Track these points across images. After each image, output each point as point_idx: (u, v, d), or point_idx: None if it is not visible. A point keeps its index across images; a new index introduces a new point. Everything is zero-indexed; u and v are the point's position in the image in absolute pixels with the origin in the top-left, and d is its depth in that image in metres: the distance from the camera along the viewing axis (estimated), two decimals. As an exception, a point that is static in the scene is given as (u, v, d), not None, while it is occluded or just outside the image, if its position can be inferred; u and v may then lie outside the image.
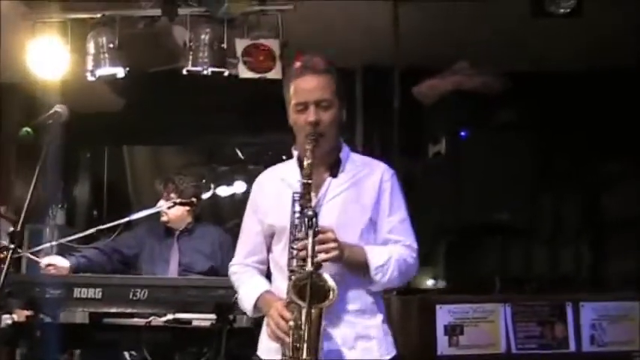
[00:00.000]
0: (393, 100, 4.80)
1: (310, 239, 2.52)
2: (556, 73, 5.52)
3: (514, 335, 4.20)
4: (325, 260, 2.60)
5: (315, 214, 2.57)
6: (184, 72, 4.54)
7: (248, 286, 2.91)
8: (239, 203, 9.57)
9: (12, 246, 2.59)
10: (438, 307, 4.17)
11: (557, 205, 5.84)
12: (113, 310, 3.91)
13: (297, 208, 2.67)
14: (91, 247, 4.56)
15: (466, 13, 4.86)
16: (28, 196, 2.75)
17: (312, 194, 2.70)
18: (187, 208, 4.62)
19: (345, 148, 2.93)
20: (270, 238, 2.90)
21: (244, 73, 4.57)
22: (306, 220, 2.55)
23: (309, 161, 2.68)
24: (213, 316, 3.74)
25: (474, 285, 4.87)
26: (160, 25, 4.67)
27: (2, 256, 3.76)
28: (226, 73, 4.55)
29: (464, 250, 5.21)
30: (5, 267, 2.60)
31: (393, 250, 2.79)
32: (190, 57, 4.51)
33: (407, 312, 4.05)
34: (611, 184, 5.87)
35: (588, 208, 5.94)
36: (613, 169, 5.84)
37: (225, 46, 4.49)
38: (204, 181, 8.68)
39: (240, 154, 9.19)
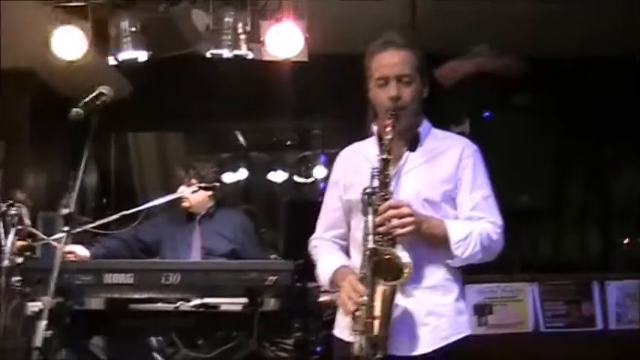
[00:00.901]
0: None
1: (370, 217, 2.52)
2: (578, 57, 5.52)
3: (542, 314, 4.24)
4: (401, 235, 2.60)
5: (374, 192, 2.57)
6: (207, 55, 4.50)
7: (325, 260, 2.92)
8: (242, 189, 9.60)
9: (66, 228, 2.54)
10: (467, 286, 4.18)
11: (580, 187, 5.87)
12: (145, 295, 3.91)
13: (375, 183, 2.65)
14: (112, 238, 4.55)
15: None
16: (78, 179, 2.70)
17: (390, 168, 2.69)
18: (209, 193, 4.64)
19: (426, 124, 2.92)
20: (350, 213, 2.89)
21: (268, 56, 4.55)
22: (365, 197, 2.55)
23: (389, 137, 2.68)
24: (241, 299, 3.71)
25: (498, 267, 4.88)
26: (179, 8, 4.62)
27: (26, 243, 3.77)
28: (250, 56, 4.51)
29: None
30: (58, 252, 2.57)
31: (475, 225, 2.75)
32: (212, 40, 4.46)
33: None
34: (630, 167, 5.89)
35: (611, 190, 5.96)
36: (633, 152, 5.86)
37: (249, 28, 4.45)
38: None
39: (242, 140, 9.19)
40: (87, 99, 2.83)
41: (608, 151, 5.90)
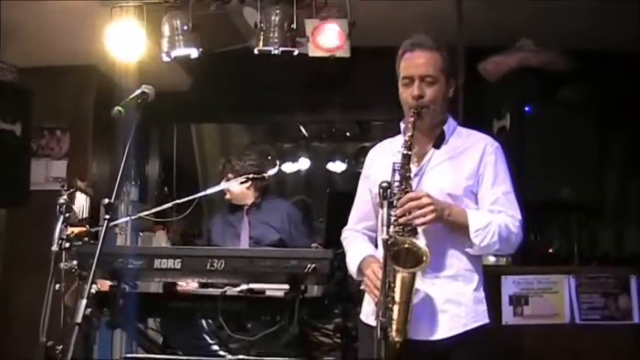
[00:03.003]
0: (457, 76, 4.87)
1: (385, 209, 2.65)
2: (620, 52, 5.48)
3: (578, 306, 4.26)
4: (423, 224, 2.75)
5: (390, 185, 2.70)
6: (255, 52, 4.66)
7: (354, 250, 3.08)
8: (303, 179, 9.78)
9: (107, 217, 2.74)
10: (503, 277, 4.27)
11: (620, 182, 5.84)
12: (190, 280, 4.11)
13: (397, 177, 2.79)
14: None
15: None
16: (120, 172, 2.89)
17: (415, 164, 2.86)
18: (248, 184, 4.81)
19: (452, 122, 3.05)
20: (378, 205, 2.97)
21: (313, 52, 4.70)
22: (381, 191, 2.67)
23: (410, 133, 2.81)
24: (286, 286, 3.85)
25: (538, 260, 4.92)
26: (231, 6, 4.79)
27: (84, 229, 4.00)
28: (296, 53, 4.66)
29: (527, 226, 5.25)
30: (101, 237, 2.76)
31: (495, 216, 2.88)
32: (261, 37, 4.62)
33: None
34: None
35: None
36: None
37: (294, 26, 4.60)
38: (269, 158, 8.92)
39: (304, 131, 9.36)
40: (129, 98, 2.99)
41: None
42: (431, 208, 2.75)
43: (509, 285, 4.25)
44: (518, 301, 4.27)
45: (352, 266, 3.05)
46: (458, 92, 4.83)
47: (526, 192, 4.74)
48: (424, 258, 2.67)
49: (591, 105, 4.98)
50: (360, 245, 3.10)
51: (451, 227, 2.85)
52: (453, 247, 2.90)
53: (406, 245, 2.71)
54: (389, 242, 2.66)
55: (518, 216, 2.95)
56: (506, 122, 4.85)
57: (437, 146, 2.98)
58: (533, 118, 4.75)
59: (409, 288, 2.69)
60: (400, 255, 2.70)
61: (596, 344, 4.21)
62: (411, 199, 2.75)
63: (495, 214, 2.90)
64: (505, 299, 4.27)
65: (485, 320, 2.94)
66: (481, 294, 2.95)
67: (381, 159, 3.08)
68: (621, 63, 5.52)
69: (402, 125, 3.04)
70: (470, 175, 2.94)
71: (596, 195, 4.92)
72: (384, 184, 2.69)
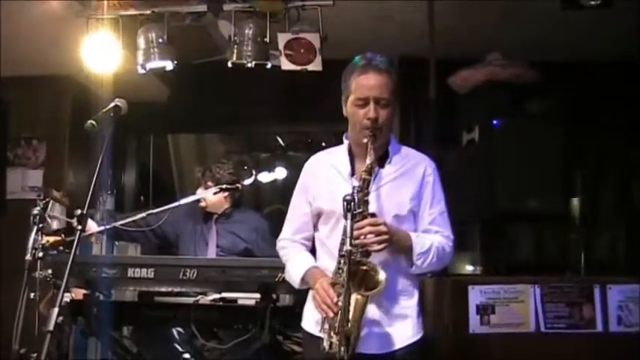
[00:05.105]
0: (428, 89, 4.95)
1: (349, 221, 2.72)
2: (587, 63, 5.60)
3: (543, 315, 4.33)
4: (378, 250, 2.83)
5: (354, 199, 2.77)
6: (229, 65, 4.72)
7: (296, 260, 3.15)
8: (280, 189, 9.83)
9: (80, 227, 2.79)
10: (470, 287, 4.33)
11: (587, 193, 5.94)
12: (164, 289, 4.16)
13: (355, 199, 2.81)
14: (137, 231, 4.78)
15: (499, 5, 5.00)
16: (92, 183, 2.95)
17: (357, 183, 2.90)
18: (225, 194, 4.85)
19: (394, 142, 3.12)
20: (316, 217, 3.11)
21: (286, 65, 4.77)
22: (345, 203, 2.74)
23: (372, 158, 2.88)
24: (257, 295, 3.93)
25: (506, 271, 5.00)
26: (206, 19, 4.86)
27: (60, 238, 4.05)
28: (269, 66, 4.72)
29: (496, 237, 5.33)
30: (74, 247, 2.81)
31: (434, 239, 3.01)
32: (235, 50, 4.69)
33: (440, 292, 4.21)
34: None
35: (618, 196, 6.01)
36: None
37: (267, 39, 4.67)
38: (245, 167, 8.98)
39: (280, 141, 9.42)
40: (102, 112, 3.05)
41: (618, 156, 5.95)
42: (386, 237, 2.84)
43: (476, 295, 4.31)
44: (484, 310, 4.32)
45: (295, 276, 3.11)
46: (429, 105, 5.01)
47: (495, 202, 4.89)
48: (381, 283, 2.77)
49: (558, 116, 5.08)
50: (301, 256, 3.17)
51: (397, 249, 2.95)
52: (399, 266, 3.01)
53: (365, 267, 2.81)
54: (345, 262, 2.73)
55: (452, 236, 3.10)
56: (475, 135, 4.95)
57: (382, 165, 3.06)
58: (502, 131, 4.85)
59: (362, 308, 2.79)
60: (357, 275, 2.79)
61: (561, 352, 4.26)
62: (370, 225, 2.84)
63: (432, 234, 3.04)
64: (472, 308, 4.32)
65: (423, 331, 3.08)
66: (420, 307, 3.09)
67: (322, 171, 3.15)
68: (588, 73, 5.64)
69: (346, 140, 3.12)
70: (413, 196, 3.04)
71: (564, 205, 5.02)
72: (348, 197, 2.76)
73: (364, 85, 2.96)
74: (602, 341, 4.32)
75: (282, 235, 3.29)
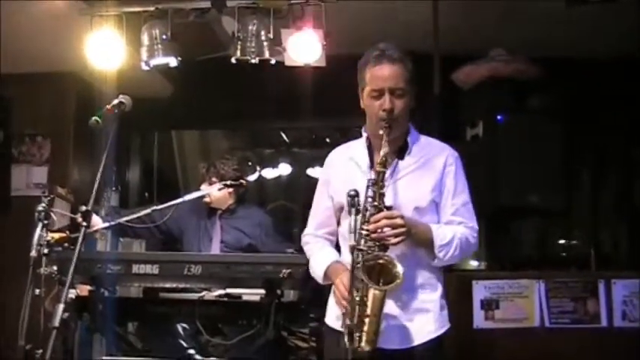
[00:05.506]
0: (433, 85, 4.96)
1: (353, 217, 2.72)
2: (590, 60, 5.60)
3: (548, 310, 4.35)
4: (394, 244, 2.79)
5: (357, 194, 2.77)
6: (233, 61, 4.72)
7: (319, 256, 3.13)
8: (284, 184, 9.85)
9: (85, 224, 2.80)
10: (474, 282, 4.35)
11: (589, 189, 5.95)
12: (168, 285, 4.16)
13: (370, 193, 2.82)
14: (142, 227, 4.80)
15: (501, 3, 5.00)
16: (97, 179, 2.96)
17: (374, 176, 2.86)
18: (230, 190, 4.86)
19: (414, 132, 3.08)
20: (339, 211, 3.07)
21: (290, 61, 4.78)
22: (349, 199, 2.74)
23: (386, 150, 2.84)
24: (262, 291, 3.91)
25: (510, 266, 5.01)
26: (210, 15, 4.86)
27: (65, 235, 4.06)
28: (273, 62, 4.72)
29: (500, 232, 5.34)
30: (79, 244, 2.83)
31: (456, 230, 2.96)
32: (238, 46, 4.68)
33: (445, 287, 4.23)
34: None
35: (620, 191, 6.03)
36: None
37: (271, 36, 4.66)
38: (249, 163, 8.99)
39: (284, 137, 9.42)
40: (106, 108, 3.06)
41: (621, 152, 5.95)
42: (403, 230, 2.80)
43: (481, 290, 4.33)
44: (489, 305, 4.35)
45: (319, 271, 3.11)
46: (434, 101, 5.01)
47: (499, 198, 4.90)
48: (398, 276, 2.72)
49: (560, 112, 5.08)
50: (324, 251, 3.16)
51: (417, 242, 2.92)
52: (419, 259, 2.97)
53: (382, 261, 2.77)
54: (363, 256, 2.74)
55: (476, 227, 3.05)
56: (479, 130, 4.96)
57: (401, 157, 3.02)
58: (505, 126, 4.86)
59: (380, 303, 2.75)
60: (374, 269, 2.77)
61: (565, 347, 4.30)
62: (386, 218, 2.80)
63: (455, 225, 2.99)
64: (476, 303, 4.35)
65: (448, 325, 3.03)
66: (444, 300, 3.04)
67: (341, 165, 3.14)
68: (590, 70, 5.63)
69: (364, 133, 3.10)
70: (434, 187, 3.00)
71: (567, 200, 5.02)
72: (352, 193, 2.76)
73: (379, 76, 2.94)
74: (607, 336, 4.35)
75: (306, 231, 3.28)
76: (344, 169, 3.11)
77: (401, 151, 3.03)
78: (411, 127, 3.10)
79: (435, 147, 3.10)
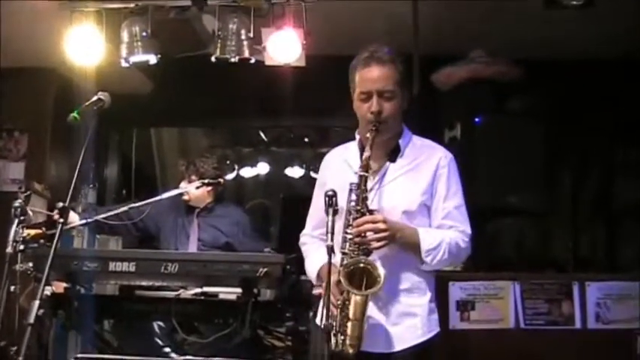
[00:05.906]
0: (412, 86, 4.95)
1: (330, 217, 2.72)
2: (569, 61, 5.61)
3: (523, 311, 4.38)
4: (376, 248, 2.78)
5: (335, 194, 2.76)
6: (213, 59, 4.71)
7: (313, 257, 3.12)
8: (262, 183, 9.85)
9: (61, 220, 2.79)
10: (450, 283, 4.37)
11: (568, 190, 5.98)
12: (145, 282, 4.14)
13: (353, 197, 2.82)
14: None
15: (484, 3, 5.00)
16: (74, 175, 2.95)
17: (370, 179, 2.87)
18: (208, 188, 4.88)
19: (407, 134, 3.05)
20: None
21: (270, 60, 4.77)
22: (327, 199, 2.74)
23: (368, 154, 2.82)
24: (238, 289, 3.91)
25: (487, 268, 5.04)
26: (190, 13, 4.84)
27: (41, 231, 4.04)
28: (253, 61, 4.71)
29: (477, 233, 5.37)
30: (55, 240, 2.81)
31: (445, 234, 2.92)
32: (218, 45, 4.67)
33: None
34: (622, 171, 5.98)
35: (599, 193, 6.06)
36: (625, 156, 5.95)
37: (251, 34, 4.64)
38: (228, 162, 8.99)
39: (263, 136, 9.42)
40: (84, 104, 3.04)
41: (599, 153, 6.00)
42: (385, 234, 2.79)
43: (457, 291, 4.35)
44: (464, 306, 4.37)
45: (311, 272, 3.10)
46: (413, 102, 5.01)
47: (477, 199, 4.91)
48: (379, 280, 2.72)
49: (541, 114, 5.11)
50: (318, 252, 3.12)
51: (404, 246, 2.89)
52: (406, 262, 2.94)
53: (362, 265, 2.76)
54: (344, 261, 2.75)
55: (469, 230, 3.00)
56: (457, 132, 4.97)
57: (392, 160, 3.00)
58: (484, 128, 4.88)
59: (362, 307, 2.75)
60: (356, 273, 2.76)
61: (540, 348, 4.33)
62: (367, 222, 2.79)
63: (446, 230, 2.95)
64: (452, 305, 4.37)
65: (437, 329, 3.01)
66: (434, 304, 3.01)
67: (336, 167, 3.12)
68: (572, 72, 5.66)
69: (357, 135, 3.06)
70: (425, 190, 2.96)
71: (546, 201, 5.05)
72: (330, 193, 2.75)
73: (367, 78, 2.92)
74: (581, 338, 4.38)
75: (303, 231, 3.27)
76: (338, 170, 3.09)
77: (392, 153, 3.01)
78: (405, 129, 3.07)
79: (429, 149, 3.07)
